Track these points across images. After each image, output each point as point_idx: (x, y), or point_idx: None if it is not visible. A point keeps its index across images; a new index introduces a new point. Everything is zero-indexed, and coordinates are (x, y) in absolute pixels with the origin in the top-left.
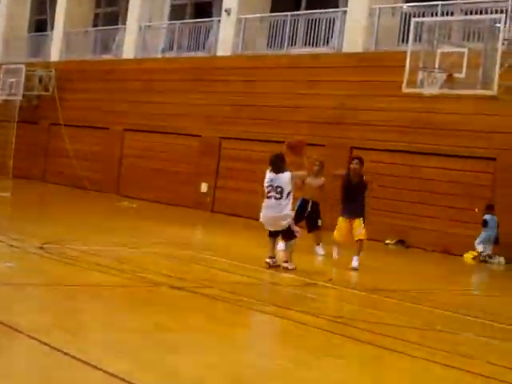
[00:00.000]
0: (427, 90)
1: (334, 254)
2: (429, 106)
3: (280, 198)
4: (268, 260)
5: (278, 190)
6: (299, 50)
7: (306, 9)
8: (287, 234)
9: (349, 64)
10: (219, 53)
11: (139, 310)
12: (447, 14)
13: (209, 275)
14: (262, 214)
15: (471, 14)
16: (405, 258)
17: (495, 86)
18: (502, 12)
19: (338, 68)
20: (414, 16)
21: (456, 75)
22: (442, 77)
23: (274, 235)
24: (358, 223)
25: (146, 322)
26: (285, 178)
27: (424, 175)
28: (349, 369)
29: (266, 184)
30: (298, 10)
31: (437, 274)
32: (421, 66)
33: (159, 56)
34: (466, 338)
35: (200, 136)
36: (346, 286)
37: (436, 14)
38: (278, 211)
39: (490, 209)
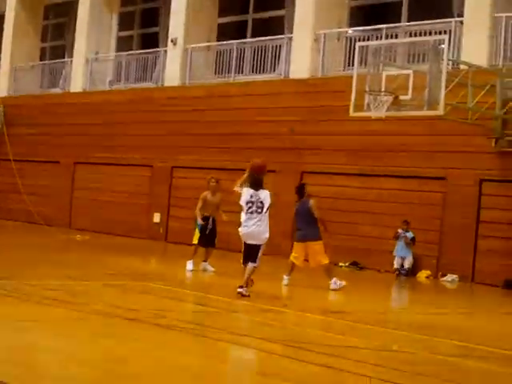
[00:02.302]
0: (374, 113)
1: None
2: (377, 128)
3: (261, 213)
4: (240, 290)
5: (259, 205)
6: (247, 77)
7: (252, 36)
8: (256, 255)
9: (297, 90)
10: (167, 83)
11: (93, 343)
12: (392, 37)
13: (162, 305)
14: (243, 229)
15: (415, 35)
16: (358, 280)
17: (442, 107)
18: (445, 33)
19: (286, 94)
20: (359, 40)
21: (402, 97)
22: (388, 99)
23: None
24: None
25: (100, 354)
26: (266, 193)
27: (375, 197)
28: None
29: (245, 201)
30: (244, 38)
31: (389, 295)
32: (367, 89)
33: (107, 88)
34: (422, 356)
35: (151, 166)
36: (301, 309)
37: (381, 38)
38: (260, 225)
39: (405, 224)
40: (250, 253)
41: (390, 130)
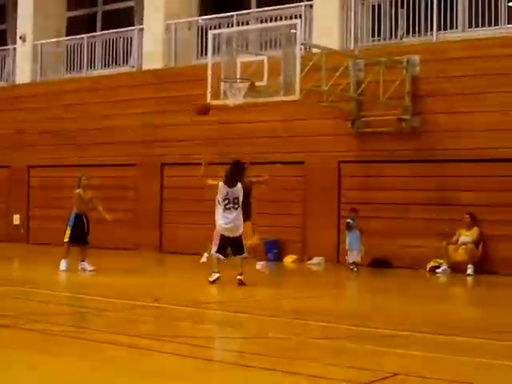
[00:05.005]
0: (231, 101)
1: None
2: (236, 116)
3: (237, 208)
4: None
5: (235, 200)
6: (99, 71)
7: (102, 29)
8: (242, 247)
9: (150, 81)
10: (18, 80)
11: None
12: (243, 24)
13: (30, 309)
14: (221, 224)
15: (267, 22)
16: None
17: (297, 91)
18: (296, 17)
19: (140, 86)
20: (211, 28)
21: (258, 83)
22: (244, 86)
23: (226, 253)
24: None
25: None
26: (239, 189)
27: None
28: None
29: (221, 197)
30: (94, 31)
31: (264, 282)
32: (222, 76)
33: None
34: (296, 341)
35: (9, 167)
36: (172, 303)
37: (232, 25)
38: (237, 220)
39: (353, 212)
40: (233, 245)
41: (249, 117)
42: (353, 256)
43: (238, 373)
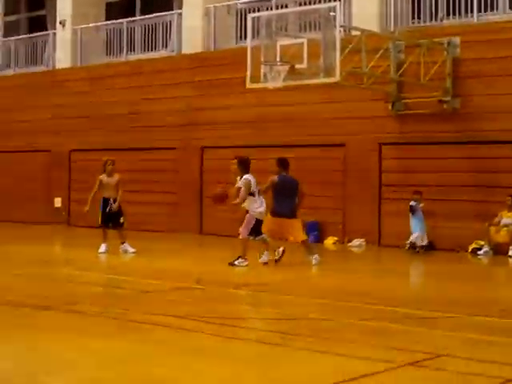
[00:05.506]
0: (271, 84)
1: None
2: (275, 99)
3: (261, 195)
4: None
5: (258, 188)
6: (139, 56)
7: (141, 14)
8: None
9: (190, 65)
10: (58, 65)
11: (8, 335)
12: (282, 7)
13: (73, 290)
14: (259, 211)
15: (306, 4)
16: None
17: (337, 73)
18: (335, 0)
19: (179, 70)
20: (250, 12)
21: (298, 66)
22: (284, 69)
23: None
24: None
25: (14, 346)
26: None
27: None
28: (234, 368)
29: (253, 186)
30: (133, 16)
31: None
32: (262, 60)
33: None
34: (337, 322)
35: (49, 151)
36: (214, 285)
37: (271, 8)
38: (264, 204)
39: (417, 194)
40: (259, 227)
41: (288, 100)
42: (416, 238)
43: (277, 353)
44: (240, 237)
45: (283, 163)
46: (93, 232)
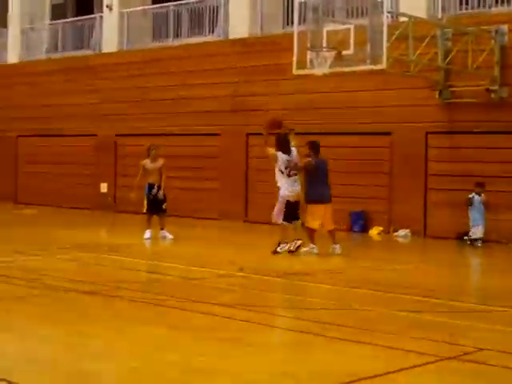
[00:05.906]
0: (318, 70)
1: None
2: (322, 85)
3: (296, 174)
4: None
5: (292, 166)
6: (186, 40)
7: None
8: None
9: (236, 50)
10: (105, 49)
11: (53, 319)
12: None
13: (118, 276)
14: (288, 191)
15: None
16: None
17: (384, 60)
18: None
19: (226, 55)
20: None
21: (345, 52)
22: (331, 55)
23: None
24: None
25: (61, 331)
26: (295, 156)
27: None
28: (272, 356)
29: (284, 165)
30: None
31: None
32: (309, 46)
33: (44, 57)
34: (379, 313)
35: (96, 135)
36: (257, 273)
37: None
38: (298, 185)
39: (478, 187)
40: (295, 210)
41: (333, 87)
42: (475, 231)
43: (317, 343)
44: (274, 221)
45: (316, 146)
46: (139, 217)
